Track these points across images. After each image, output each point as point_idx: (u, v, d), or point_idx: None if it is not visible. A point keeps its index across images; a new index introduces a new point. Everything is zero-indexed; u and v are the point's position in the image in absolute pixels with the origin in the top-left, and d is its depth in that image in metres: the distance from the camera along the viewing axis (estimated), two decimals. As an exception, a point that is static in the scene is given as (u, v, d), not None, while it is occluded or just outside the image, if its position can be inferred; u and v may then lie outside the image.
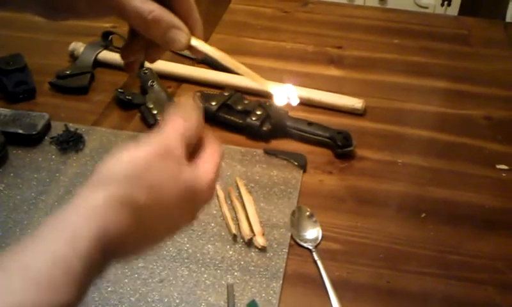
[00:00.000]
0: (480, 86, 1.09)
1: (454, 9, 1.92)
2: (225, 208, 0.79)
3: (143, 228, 0.41)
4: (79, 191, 0.39)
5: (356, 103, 1.00)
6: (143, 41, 0.52)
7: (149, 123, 0.94)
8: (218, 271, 0.71)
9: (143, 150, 0.42)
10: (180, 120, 0.45)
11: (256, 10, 1.34)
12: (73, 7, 0.48)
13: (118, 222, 0.38)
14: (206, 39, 0.48)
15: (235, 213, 0.78)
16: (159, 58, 0.54)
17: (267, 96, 0.96)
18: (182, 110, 0.46)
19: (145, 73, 1.02)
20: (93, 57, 1.08)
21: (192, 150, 0.47)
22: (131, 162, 0.41)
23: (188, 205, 0.44)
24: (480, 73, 1.13)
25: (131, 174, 0.40)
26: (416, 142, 0.95)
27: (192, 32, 0.50)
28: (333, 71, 1.13)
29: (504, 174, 0.88)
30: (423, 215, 0.80)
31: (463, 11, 1.86)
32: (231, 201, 0.80)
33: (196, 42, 0.50)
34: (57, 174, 0.84)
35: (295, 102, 0.52)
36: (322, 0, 1.40)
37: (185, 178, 0.43)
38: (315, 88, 1.02)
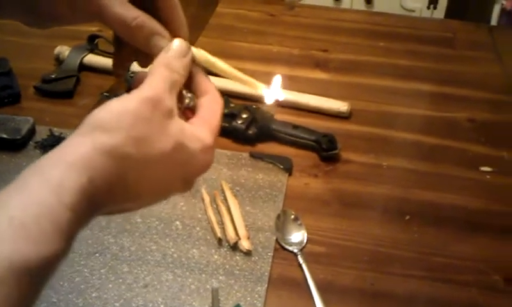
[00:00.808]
0: (465, 88, 1.10)
1: (440, 13, 1.94)
2: (210, 212, 0.79)
3: (130, 179, 0.40)
4: (66, 140, 0.38)
5: (341, 106, 1.00)
6: (130, 48, 0.52)
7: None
8: (203, 275, 0.71)
9: (132, 101, 0.40)
10: (168, 70, 0.44)
11: (243, 14, 1.34)
12: (57, 15, 0.48)
13: (104, 171, 0.37)
14: (193, 43, 0.48)
15: (221, 217, 0.78)
16: (151, 63, 0.54)
17: (253, 99, 0.97)
18: (170, 59, 0.45)
19: (131, 76, 1.01)
20: (79, 61, 1.08)
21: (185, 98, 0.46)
22: (119, 112, 0.40)
23: (179, 164, 0.42)
24: (464, 76, 1.14)
25: (119, 124, 0.39)
26: (402, 145, 0.96)
27: (178, 35, 0.50)
28: (319, 75, 1.13)
29: (487, 176, 0.89)
30: (407, 217, 0.81)
31: (449, 14, 1.88)
32: (216, 204, 0.80)
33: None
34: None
35: (281, 97, 0.52)
36: (308, 4, 1.41)
37: (176, 132, 0.42)
38: (301, 91, 1.03)
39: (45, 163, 0.37)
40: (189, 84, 0.47)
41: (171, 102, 0.42)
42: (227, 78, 0.51)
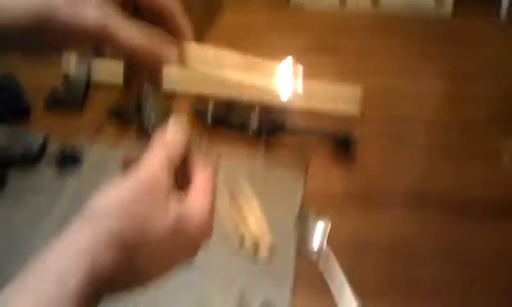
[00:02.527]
0: (477, 84, 1.07)
1: (448, 5, 1.90)
2: (231, 213, 0.78)
3: (134, 264, 0.40)
4: (67, 228, 0.39)
5: (353, 107, 0.98)
6: (139, 65, 0.51)
7: (146, 136, 0.93)
8: (227, 278, 0.70)
9: (129, 185, 0.42)
10: (164, 148, 0.45)
11: (248, 18, 1.32)
12: (63, 47, 0.48)
13: (107, 259, 0.38)
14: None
15: (241, 218, 0.77)
16: (162, 77, 0.53)
17: (264, 97, 0.95)
18: (166, 136, 0.46)
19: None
20: (86, 72, 1.07)
21: (182, 176, 0.46)
22: (117, 198, 0.41)
23: (181, 241, 0.43)
24: (476, 71, 1.11)
25: (118, 210, 0.40)
26: (418, 140, 0.93)
27: (183, 37, 0.49)
28: (329, 77, 1.11)
29: (508, 166, 0.87)
30: (429, 212, 0.79)
31: (457, 6, 1.84)
32: (236, 205, 0.79)
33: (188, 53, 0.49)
34: (57, 195, 0.83)
35: (299, 89, 0.51)
36: (314, 6, 1.39)
37: (174, 213, 0.42)
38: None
39: (49, 256, 0.37)
40: (185, 158, 0.47)
41: (168, 182, 0.43)
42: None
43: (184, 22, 0.49)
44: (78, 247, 0.38)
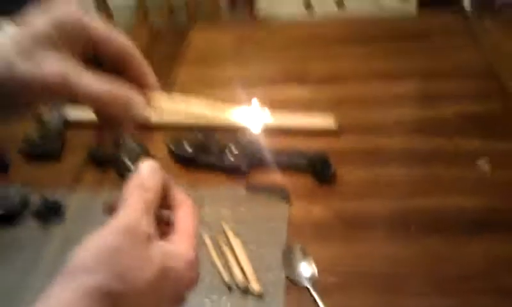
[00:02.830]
0: (448, 82, 1.09)
1: (412, 3, 1.93)
2: (215, 257, 0.78)
3: None
4: (51, 286, 0.38)
5: (328, 122, 0.99)
6: (107, 115, 0.50)
7: (125, 177, 0.93)
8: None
9: (109, 235, 0.41)
10: (140, 192, 0.44)
11: (216, 38, 1.33)
12: (27, 105, 0.47)
13: None
14: (169, 78, 0.47)
15: (226, 261, 0.77)
16: (134, 127, 0.53)
17: (239, 130, 0.96)
18: (141, 179, 0.45)
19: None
20: (62, 118, 1.07)
21: (161, 218, 0.46)
22: (98, 250, 0.40)
23: (167, 288, 0.42)
24: (445, 68, 1.13)
25: (99, 262, 0.39)
26: (395, 152, 0.95)
27: (147, 85, 0.49)
28: (301, 91, 1.12)
29: (484, 171, 0.88)
30: (412, 228, 0.80)
31: (421, 3, 1.87)
32: (220, 248, 0.79)
33: (155, 106, 0.49)
34: (42, 248, 0.83)
35: (266, 119, 0.51)
36: (281, 20, 1.40)
37: (158, 257, 0.42)
38: (285, 110, 1.02)
39: None
40: (162, 198, 0.46)
41: (148, 226, 0.42)
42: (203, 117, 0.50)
43: (146, 69, 0.49)
44: None
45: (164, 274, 0.41)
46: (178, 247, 0.44)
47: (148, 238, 0.42)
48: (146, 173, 0.46)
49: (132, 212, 0.42)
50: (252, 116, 0.51)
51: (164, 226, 0.46)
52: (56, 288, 0.38)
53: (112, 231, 0.41)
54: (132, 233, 0.41)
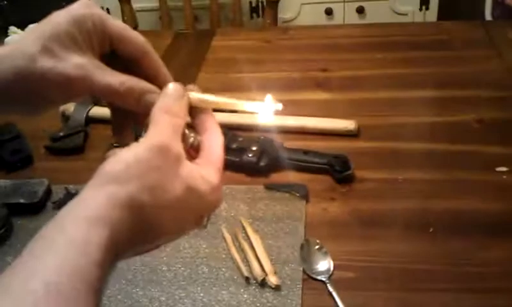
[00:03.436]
0: (468, 89, 1.10)
1: (432, 13, 1.94)
2: (234, 251, 0.79)
3: (148, 226, 0.41)
4: (81, 193, 0.40)
5: (348, 125, 1.00)
6: (125, 112, 0.51)
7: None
8: (235, 316, 0.71)
9: (142, 150, 0.42)
10: (168, 118, 0.45)
11: (239, 44, 1.35)
12: (49, 100, 0.49)
13: (123, 223, 0.39)
14: (192, 81, 0.48)
15: (245, 254, 0.78)
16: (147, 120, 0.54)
17: (261, 129, 0.97)
18: (167, 104, 0.46)
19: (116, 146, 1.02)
20: (85, 115, 1.09)
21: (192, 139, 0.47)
22: (130, 162, 0.41)
23: (191, 206, 0.44)
24: (465, 76, 1.14)
25: (131, 174, 0.40)
26: (414, 156, 0.96)
27: (165, 81, 0.50)
28: (321, 95, 1.14)
29: (504, 177, 0.89)
30: (431, 229, 0.81)
31: (441, 13, 1.88)
32: (239, 242, 0.80)
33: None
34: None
35: (278, 107, 0.52)
36: (301, 25, 1.42)
37: (186, 176, 0.43)
38: (305, 114, 1.03)
39: (66, 221, 0.38)
40: (189, 122, 0.48)
41: (178, 147, 0.44)
42: (224, 108, 0.51)
43: (162, 69, 0.51)
44: (93, 216, 0.38)
45: (190, 193, 0.43)
46: (204, 170, 0.45)
47: (178, 158, 0.43)
48: (172, 97, 0.47)
49: (162, 132, 0.43)
50: (268, 110, 0.52)
51: (189, 150, 0.47)
52: (88, 195, 0.39)
53: (144, 148, 0.42)
54: (163, 152, 0.42)
